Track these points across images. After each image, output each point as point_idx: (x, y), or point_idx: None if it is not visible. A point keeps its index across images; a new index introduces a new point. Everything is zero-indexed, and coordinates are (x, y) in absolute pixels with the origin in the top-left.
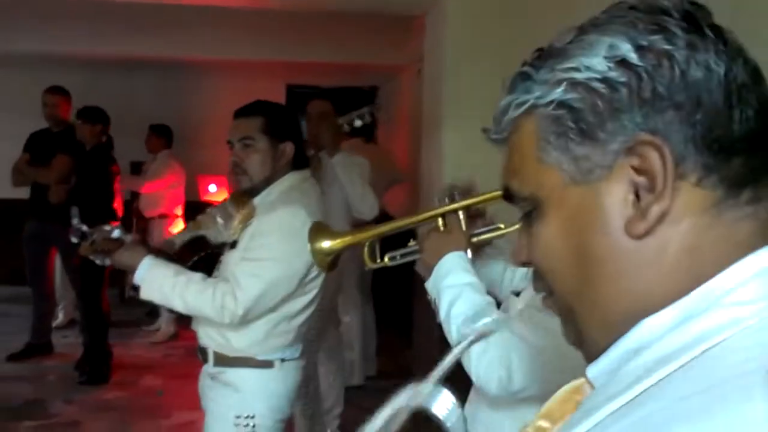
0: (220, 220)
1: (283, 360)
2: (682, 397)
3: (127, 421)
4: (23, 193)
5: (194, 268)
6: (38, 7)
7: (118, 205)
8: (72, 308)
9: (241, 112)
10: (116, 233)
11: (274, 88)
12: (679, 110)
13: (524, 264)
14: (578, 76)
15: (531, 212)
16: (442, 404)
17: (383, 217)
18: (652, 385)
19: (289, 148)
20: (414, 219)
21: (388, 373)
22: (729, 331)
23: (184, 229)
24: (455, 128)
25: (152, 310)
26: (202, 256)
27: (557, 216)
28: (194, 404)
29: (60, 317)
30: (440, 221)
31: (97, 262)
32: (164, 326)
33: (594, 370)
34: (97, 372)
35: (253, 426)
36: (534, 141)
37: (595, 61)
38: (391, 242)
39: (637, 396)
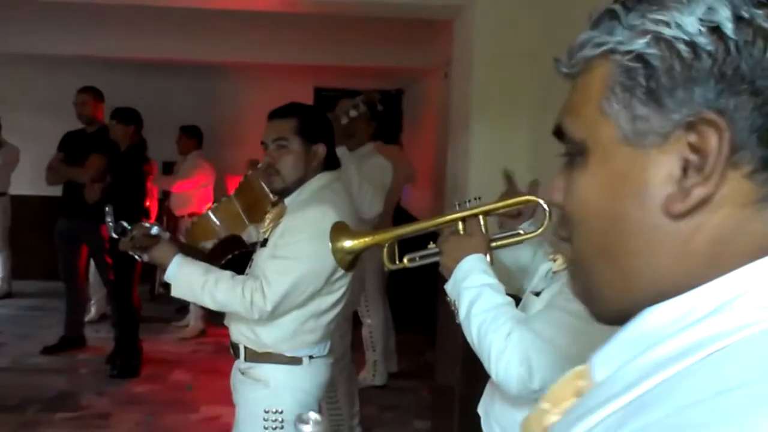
0: (213, 218)
1: (311, 357)
2: (683, 406)
3: (157, 414)
4: (56, 190)
5: (227, 266)
6: (74, 12)
7: (151, 203)
8: (104, 303)
9: (276, 114)
10: (155, 230)
11: (303, 90)
12: (756, 96)
13: (555, 204)
14: (666, 31)
15: (576, 157)
16: None
17: (404, 216)
18: (652, 388)
19: (321, 149)
20: (434, 222)
21: (409, 372)
22: (737, 335)
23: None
24: (481, 130)
25: (181, 307)
26: (235, 255)
27: (601, 171)
28: (222, 399)
29: (92, 312)
30: (460, 225)
31: (135, 257)
32: (193, 322)
33: (598, 356)
34: (128, 366)
35: (282, 421)
36: (601, 86)
37: (688, 21)
38: (412, 243)
39: (636, 398)
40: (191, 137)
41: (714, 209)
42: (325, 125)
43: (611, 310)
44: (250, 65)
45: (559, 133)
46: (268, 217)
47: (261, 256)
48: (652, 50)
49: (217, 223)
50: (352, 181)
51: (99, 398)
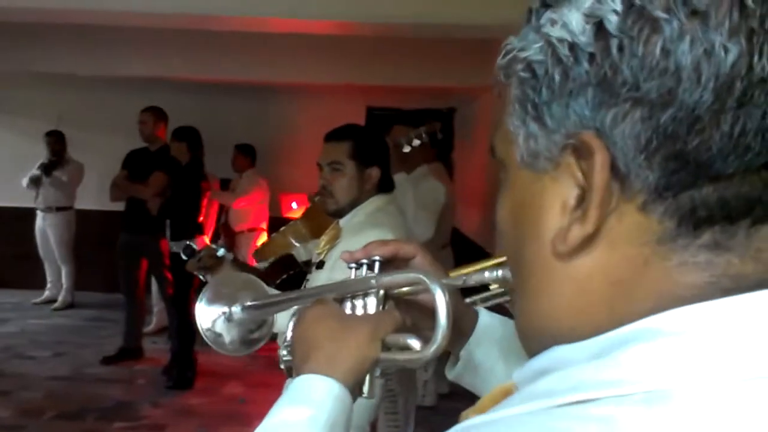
0: (292, 240)
1: None
2: None
3: (210, 427)
4: (118, 206)
5: (282, 285)
6: (138, 36)
7: (206, 219)
8: (163, 316)
9: (331, 137)
10: (221, 252)
11: (355, 110)
12: (640, 106)
13: None
14: (553, 33)
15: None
16: None
17: (457, 237)
18: (512, 415)
19: (375, 172)
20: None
21: (460, 394)
22: (600, 393)
23: (262, 252)
24: None
25: None
26: (290, 275)
27: (509, 196)
28: None
29: (152, 324)
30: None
31: (200, 277)
32: None
33: (518, 375)
34: (183, 378)
35: None
36: (509, 100)
37: (573, 17)
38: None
39: (505, 417)
40: (246, 155)
41: (610, 248)
42: (380, 148)
43: (523, 346)
44: (303, 85)
45: (492, 149)
46: (324, 238)
47: (317, 278)
48: (539, 57)
49: (294, 243)
50: (408, 206)
51: (155, 409)
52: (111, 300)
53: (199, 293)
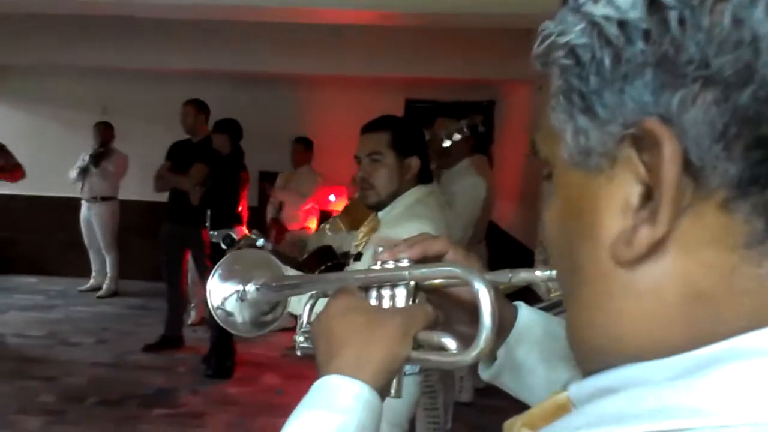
0: (329, 233)
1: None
2: None
3: (247, 416)
4: (161, 196)
5: None
6: (181, 29)
7: (244, 210)
8: (203, 307)
9: (369, 128)
10: (260, 242)
11: (394, 102)
12: (712, 86)
13: None
14: (596, 11)
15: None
16: None
17: (494, 231)
18: None
19: (414, 162)
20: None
21: (498, 390)
22: (687, 422)
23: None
24: None
25: None
26: (328, 266)
27: (558, 198)
28: None
29: (192, 315)
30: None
31: None
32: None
33: (573, 391)
34: (222, 367)
35: None
36: (551, 93)
37: None
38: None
39: None
40: (307, 149)
41: (685, 253)
42: (418, 138)
43: (577, 361)
44: (342, 78)
45: (534, 148)
46: (362, 230)
47: (355, 269)
48: (582, 40)
49: (328, 233)
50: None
51: (194, 397)
52: (153, 289)
53: None
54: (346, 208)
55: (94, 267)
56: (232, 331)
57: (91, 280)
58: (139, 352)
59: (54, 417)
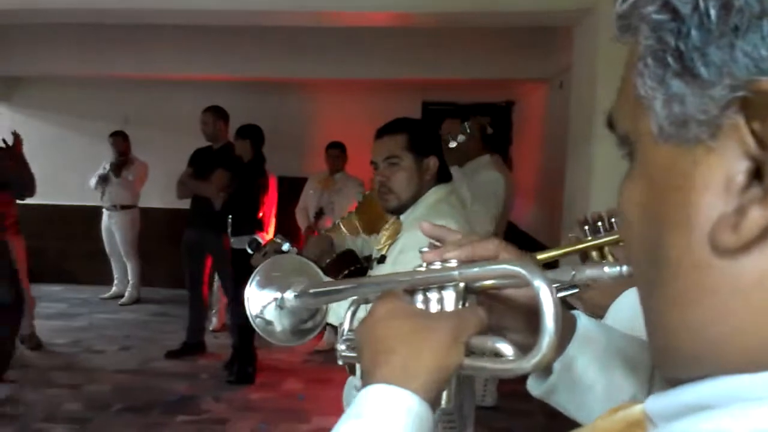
0: (344, 231)
1: None
2: None
3: (270, 422)
4: (181, 203)
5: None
6: (199, 37)
7: (265, 215)
8: (224, 313)
9: (384, 131)
10: (285, 246)
11: (410, 104)
12: None
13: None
14: None
15: (628, 156)
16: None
17: (513, 231)
18: None
19: (433, 162)
20: (565, 250)
21: (524, 394)
22: None
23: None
24: (605, 142)
25: None
26: (351, 270)
27: (641, 177)
28: (333, 410)
29: (214, 322)
30: (595, 253)
31: None
32: (327, 335)
33: (654, 406)
34: (244, 373)
35: None
36: (635, 59)
37: None
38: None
39: None
40: (344, 153)
41: None
42: (434, 137)
43: (661, 368)
44: (358, 82)
45: (610, 123)
46: (384, 233)
47: (378, 273)
48: None
49: (346, 233)
50: (465, 199)
51: (217, 403)
52: (175, 296)
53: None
54: (360, 205)
55: (116, 275)
56: (271, 341)
57: (114, 288)
58: (162, 358)
59: (79, 425)
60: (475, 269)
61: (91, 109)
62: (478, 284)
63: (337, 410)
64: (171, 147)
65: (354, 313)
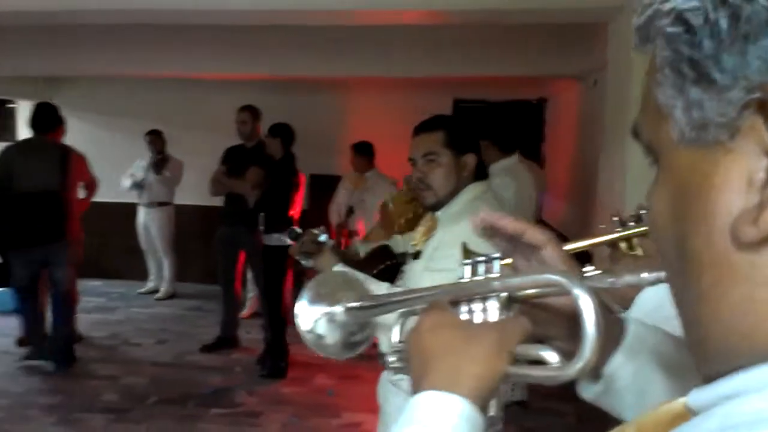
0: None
1: None
2: None
3: (301, 417)
4: (214, 201)
5: (378, 277)
6: (231, 36)
7: (295, 213)
8: (255, 302)
9: (422, 128)
10: (322, 237)
11: (442, 102)
12: None
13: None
14: None
15: (654, 163)
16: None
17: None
18: None
19: (471, 159)
20: (593, 241)
21: (555, 391)
22: None
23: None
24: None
25: None
26: (387, 266)
27: (666, 182)
28: (363, 406)
29: (245, 309)
30: (623, 245)
31: (302, 262)
32: None
33: (695, 399)
34: (277, 367)
35: None
36: (653, 70)
37: None
38: None
39: None
40: (363, 155)
41: None
42: (471, 135)
43: (698, 363)
44: (388, 80)
45: (636, 132)
46: (420, 230)
47: (414, 269)
48: (690, 4)
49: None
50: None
51: (250, 397)
52: (209, 291)
53: (292, 286)
54: (382, 216)
55: (152, 270)
56: (323, 354)
57: (150, 283)
58: (197, 352)
59: (117, 415)
60: (517, 279)
61: (127, 109)
62: (520, 294)
63: (365, 406)
64: (204, 145)
65: (402, 325)
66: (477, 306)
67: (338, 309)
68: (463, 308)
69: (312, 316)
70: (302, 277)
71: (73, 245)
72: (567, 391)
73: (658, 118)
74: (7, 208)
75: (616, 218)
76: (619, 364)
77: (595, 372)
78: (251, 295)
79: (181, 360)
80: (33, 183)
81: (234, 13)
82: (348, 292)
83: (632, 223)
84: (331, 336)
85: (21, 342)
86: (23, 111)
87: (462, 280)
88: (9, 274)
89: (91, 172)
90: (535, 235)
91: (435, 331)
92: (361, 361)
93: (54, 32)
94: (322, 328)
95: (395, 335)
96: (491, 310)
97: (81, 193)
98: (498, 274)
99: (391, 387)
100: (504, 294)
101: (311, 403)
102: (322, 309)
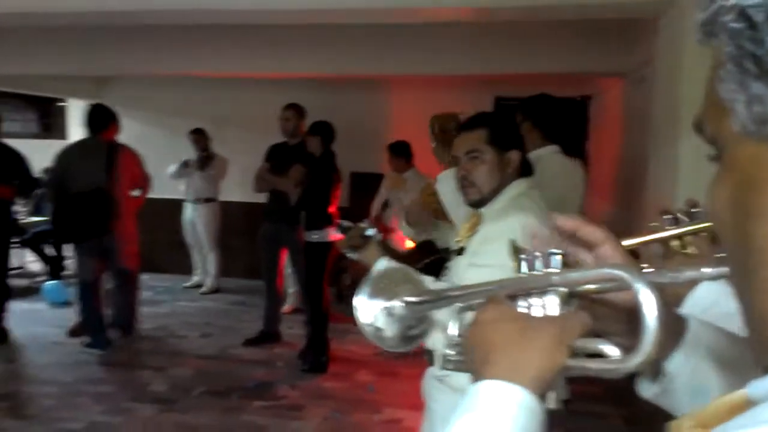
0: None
1: None
2: None
3: (343, 411)
4: (258, 197)
5: (422, 272)
6: (273, 35)
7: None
8: (296, 298)
9: (465, 127)
10: (370, 231)
11: (483, 100)
12: None
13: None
14: None
15: (716, 158)
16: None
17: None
18: None
19: (515, 156)
20: (646, 238)
21: (598, 393)
22: None
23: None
24: (691, 140)
25: None
26: (432, 260)
27: (728, 176)
28: (403, 403)
29: (287, 304)
30: (677, 242)
31: (349, 255)
32: None
33: (756, 390)
34: (318, 362)
35: None
36: (717, 65)
37: None
38: None
39: None
40: (398, 156)
41: None
42: (515, 132)
43: (759, 356)
44: (430, 78)
45: (699, 127)
46: (465, 225)
47: (458, 265)
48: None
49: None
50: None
51: (292, 390)
52: (252, 286)
53: (331, 282)
54: (407, 215)
55: (197, 265)
56: (382, 347)
57: (195, 278)
58: (240, 346)
59: (164, 405)
60: (577, 274)
61: (173, 107)
62: (580, 289)
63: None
64: (247, 143)
65: (461, 320)
66: (535, 301)
67: (397, 303)
68: (521, 303)
69: (372, 310)
70: (340, 273)
71: (125, 239)
72: (609, 393)
73: (720, 113)
74: (62, 207)
75: (666, 216)
76: (680, 361)
77: (653, 368)
78: (292, 291)
79: (225, 353)
80: (83, 181)
81: (278, 13)
82: (406, 286)
83: (686, 219)
84: (389, 329)
85: (73, 332)
86: (74, 110)
87: (521, 275)
88: (62, 268)
89: (144, 168)
90: (592, 232)
91: (496, 324)
92: (402, 359)
93: (103, 33)
94: (381, 321)
95: (452, 329)
96: (551, 305)
97: (135, 192)
98: (558, 269)
99: (437, 384)
100: (563, 289)
101: (352, 398)
102: (381, 303)
